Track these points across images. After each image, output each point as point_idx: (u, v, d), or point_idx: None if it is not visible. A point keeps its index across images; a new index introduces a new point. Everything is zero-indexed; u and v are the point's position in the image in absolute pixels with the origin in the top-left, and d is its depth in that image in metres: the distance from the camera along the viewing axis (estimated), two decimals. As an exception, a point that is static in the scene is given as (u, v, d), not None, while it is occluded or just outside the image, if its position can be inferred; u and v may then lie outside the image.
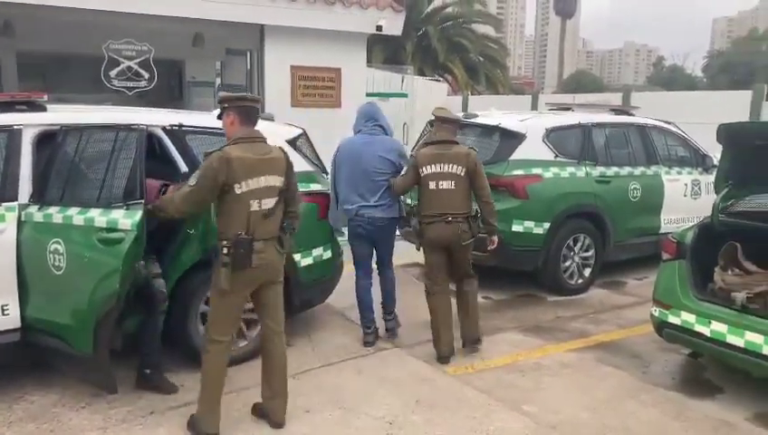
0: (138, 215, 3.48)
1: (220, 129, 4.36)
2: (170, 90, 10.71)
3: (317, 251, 4.72)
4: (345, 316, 5.50)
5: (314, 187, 4.75)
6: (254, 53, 9.16)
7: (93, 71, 7.89)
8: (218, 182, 3.24)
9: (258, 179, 3.34)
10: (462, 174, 4.52)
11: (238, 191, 3.28)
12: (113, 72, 7.97)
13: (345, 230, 5.07)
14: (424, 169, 4.56)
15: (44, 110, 4.00)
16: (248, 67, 9.50)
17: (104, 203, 3.59)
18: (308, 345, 4.82)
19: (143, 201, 3.53)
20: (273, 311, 3.65)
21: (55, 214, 3.65)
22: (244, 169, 3.28)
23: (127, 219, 3.48)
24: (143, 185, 3.58)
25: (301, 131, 4.95)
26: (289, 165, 3.54)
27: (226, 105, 3.46)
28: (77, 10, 7.18)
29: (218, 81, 10.92)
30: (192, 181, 3.37)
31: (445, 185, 4.51)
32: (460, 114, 7.27)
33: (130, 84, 8.11)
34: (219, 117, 3.54)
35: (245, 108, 3.47)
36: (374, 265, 5.08)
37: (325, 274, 4.88)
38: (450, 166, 4.52)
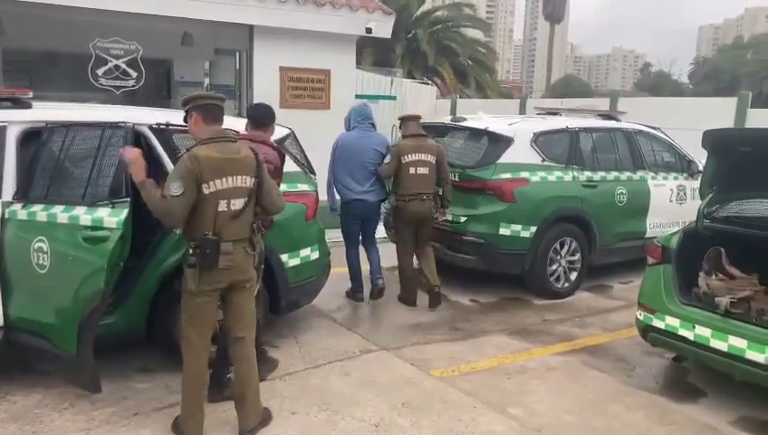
0: (124, 213, 3.45)
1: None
2: (158, 89, 10.64)
3: (304, 252, 4.71)
4: (332, 318, 5.49)
5: (302, 187, 4.75)
6: (243, 53, 9.13)
7: (80, 69, 7.83)
8: (198, 181, 3.17)
9: (226, 179, 3.26)
10: (433, 162, 5.68)
11: (206, 191, 3.19)
12: (101, 71, 7.92)
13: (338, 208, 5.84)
14: (405, 157, 5.61)
15: (30, 107, 3.96)
16: (237, 67, 9.47)
17: (89, 201, 3.56)
18: (294, 347, 4.80)
19: (129, 199, 3.50)
20: (237, 313, 3.49)
21: (39, 212, 3.61)
22: (212, 169, 3.20)
23: (113, 217, 3.45)
24: (128, 183, 3.54)
25: (289, 132, 4.94)
26: (259, 164, 3.43)
27: (188, 106, 3.38)
28: (64, 8, 7.13)
29: (207, 81, 10.86)
30: (175, 190, 3.13)
31: (421, 170, 5.64)
32: (448, 118, 7.33)
33: (118, 83, 8.06)
34: (184, 119, 3.45)
35: (207, 106, 3.37)
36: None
37: (312, 275, 4.86)
38: (426, 155, 5.66)
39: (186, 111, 3.41)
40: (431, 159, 5.65)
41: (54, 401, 3.80)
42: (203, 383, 3.50)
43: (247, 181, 3.36)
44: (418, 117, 6.04)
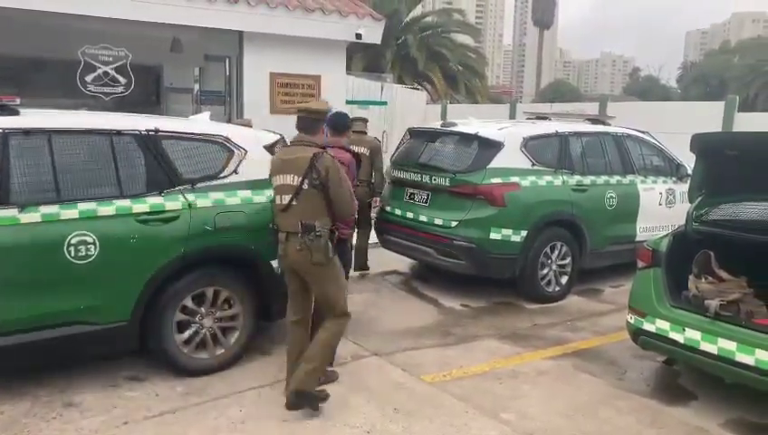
0: (180, 198, 4.07)
1: (198, 134, 4.39)
2: (148, 96, 10.60)
3: (295, 258, 4.68)
4: (323, 324, 5.47)
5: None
6: (233, 59, 9.11)
7: (69, 76, 7.78)
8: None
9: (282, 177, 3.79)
10: (368, 153, 6.60)
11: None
12: (89, 78, 7.88)
13: None
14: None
15: (17, 114, 3.94)
16: (227, 73, 9.44)
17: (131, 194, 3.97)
18: (286, 353, 4.76)
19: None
20: (293, 299, 4.00)
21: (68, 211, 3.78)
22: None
23: (172, 202, 4.02)
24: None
25: (279, 137, 4.93)
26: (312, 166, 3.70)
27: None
28: (52, 14, 7.09)
29: (197, 87, 10.83)
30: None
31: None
32: (439, 123, 7.35)
33: (107, 90, 8.02)
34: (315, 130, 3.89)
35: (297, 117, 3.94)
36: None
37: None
38: (363, 148, 6.52)
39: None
40: (366, 151, 6.54)
41: (42, 411, 3.76)
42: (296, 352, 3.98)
43: (295, 180, 3.71)
44: (365, 120, 7.20)
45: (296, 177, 3.70)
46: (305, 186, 3.69)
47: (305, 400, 3.78)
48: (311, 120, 3.88)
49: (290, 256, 3.77)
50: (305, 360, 3.80)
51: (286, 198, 3.75)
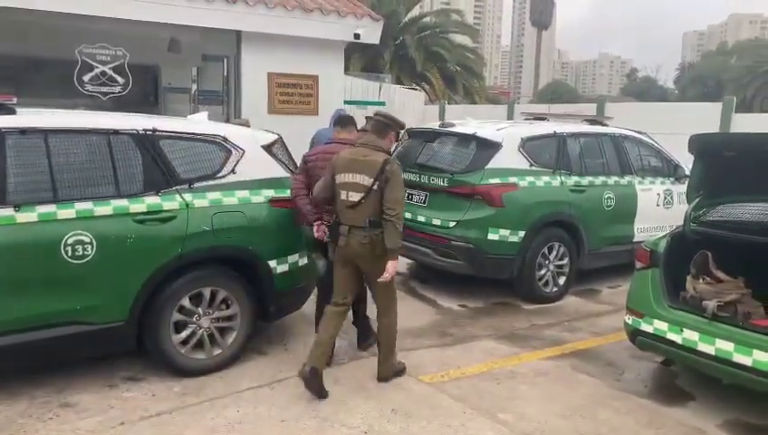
0: (178, 197, 4.00)
1: (195, 134, 4.38)
2: (146, 95, 10.59)
3: (293, 258, 4.68)
4: (321, 324, 5.46)
5: (290, 193, 4.72)
6: (231, 59, 9.11)
7: (66, 75, 7.77)
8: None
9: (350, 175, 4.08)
10: None
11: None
12: (87, 77, 7.87)
13: None
14: None
15: (14, 112, 3.93)
16: (225, 73, 9.44)
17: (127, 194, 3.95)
18: (283, 354, 4.77)
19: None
20: (340, 285, 4.28)
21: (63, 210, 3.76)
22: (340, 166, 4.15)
23: (169, 202, 3.96)
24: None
25: (276, 137, 4.93)
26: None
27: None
28: (50, 13, 7.08)
29: (194, 87, 10.83)
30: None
31: None
32: (437, 123, 7.35)
33: (104, 89, 8.01)
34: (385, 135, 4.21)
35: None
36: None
37: (301, 280, 4.83)
38: None
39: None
40: None
41: (39, 411, 3.75)
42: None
43: (366, 180, 4.01)
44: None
45: (368, 178, 4.01)
46: (375, 187, 3.99)
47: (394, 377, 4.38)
48: (383, 125, 4.21)
49: (352, 247, 4.09)
50: (381, 351, 4.36)
51: (355, 196, 4.05)
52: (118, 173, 3.99)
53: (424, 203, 6.43)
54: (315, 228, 4.52)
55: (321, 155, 4.62)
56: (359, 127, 5.05)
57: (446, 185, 6.20)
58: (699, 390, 4.42)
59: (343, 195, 4.10)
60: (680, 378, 4.66)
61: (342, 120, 4.98)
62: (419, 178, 6.47)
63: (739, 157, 4.42)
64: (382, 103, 12.84)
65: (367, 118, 5.51)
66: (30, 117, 3.92)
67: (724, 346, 3.81)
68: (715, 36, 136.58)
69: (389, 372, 4.37)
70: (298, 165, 4.87)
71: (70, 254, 3.72)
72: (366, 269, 4.19)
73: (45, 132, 3.80)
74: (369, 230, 4.01)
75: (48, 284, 3.72)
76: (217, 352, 4.37)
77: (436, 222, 6.19)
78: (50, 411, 3.75)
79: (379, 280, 4.07)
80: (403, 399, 4.12)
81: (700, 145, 4.56)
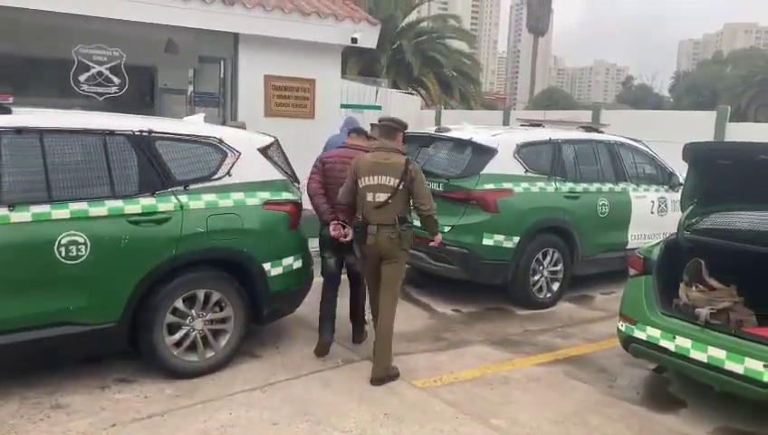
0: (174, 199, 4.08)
1: (191, 135, 4.38)
2: (142, 96, 10.56)
3: (287, 261, 4.68)
4: (314, 328, 5.44)
5: (286, 196, 4.72)
6: (228, 61, 9.09)
7: (63, 75, 7.75)
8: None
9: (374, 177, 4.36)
10: None
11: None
12: (83, 77, 7.84)
13: None
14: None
15: (9, 112, 3.92)
16: (221, 75, 9.43)
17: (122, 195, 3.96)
18: (276, 356, 4.76)
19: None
20: (370, 279, 4.62)
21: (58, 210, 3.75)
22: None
23: (165, 203, 3.91)
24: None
25: (273, 140, 4.93)
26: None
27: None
28: (46, 13, 7.06)
29: (191, 89, 10.80)
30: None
31: None
32: (433, 128, 7.36)
33: (101, 90, 7.98)
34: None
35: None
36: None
37: (295, 284, 4.83)
38: None
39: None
40: None
41: (30, 412, 3.73)
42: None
43: (392, 181, 4.31)
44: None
45: (393, 179, 4.32)
46: (401, 187, 4.30)
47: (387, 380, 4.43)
48: (391, 129, 4.54)
49: (381, 243, 4.35)
50: (377, 352, 4.47)
51: (382, 196, 4.34)
52: (113, 174, 3.98)
53: (419, 207, 6.42)
54: (332, 227, 4.63)
55: (338, 158, 4.91)
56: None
57: (441, 190, 6.21)
58: (691, 397, 4.43)
59: (369, 196, 4.37)
60: (672, 385, 4.68)
61: (359, 130, 5.36)
62: (415, 182, 6.46)
63: (733, 165, 4.44)
64: (379, 108, 12.85)
65: (372, 125, 5.65)
66: (25, 117, 3.92)
67: (717, 354, 3.82)
68: (710, 45, 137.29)
69: (384, 373, 4.41)
70: (313, 166, 5.04)
71: (63, 254, 3.71)
72: (388, 261, 4.42)
73: (41, 132, 3.79)
74: (398, 227, 4.34)
75: (41, 284, 3.71)
76: (210, 354, 4.36)
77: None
78: (41, 413, 3.74)
79: (429, 244, 4.74)
80: (396, 403, 4.11)
81: (694, 153, 4.58)
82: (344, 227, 4.61)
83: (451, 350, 5.16)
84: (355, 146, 4.99)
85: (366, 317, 5.13)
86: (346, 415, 3.91)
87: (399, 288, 4.62)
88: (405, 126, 4.65)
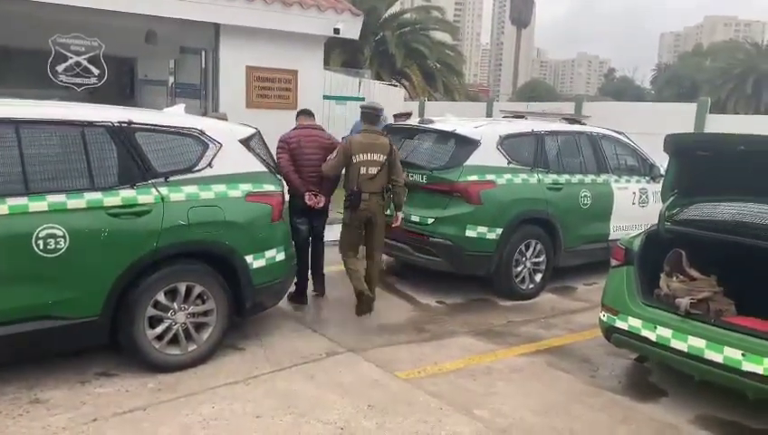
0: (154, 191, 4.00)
1: (172, 127, 4.33)
2: (122, 87, 10.43)
3: (270, 253, 4.65)
4: (298, 320, 5.44)
5: (268, 187, 4.69)
6: (210, 52, 9.01)
7: (39, 65, 7.61)
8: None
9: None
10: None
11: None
12: (61, 68, 7.72)
13: None
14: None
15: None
16: (203, 66, 9.34)
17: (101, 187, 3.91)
18: (259, 349, 4.74)
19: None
20: (357, 241, 5.50)
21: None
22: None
23: (145, 196, 3.65)
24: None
25: (254, 131, 4.89)
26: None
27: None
28: (22, 1, 6.93)
29: (172, 79, 10.69)
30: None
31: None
32: (416, 120, 7.35)
33: (79, 80, 7.86)
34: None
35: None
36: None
37: (278, 276, 4.81)
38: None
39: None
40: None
41: (8, 408, 3.67)
42: (359, 271, 5.41)
43: (381, 157, 5.32)
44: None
45: (382, 155, 5.33)
46: (387, 162, 5.33)
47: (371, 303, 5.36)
48: (376, 116, 5.59)
49: (372, 208, 5.32)
50: (371, 282, 5.46)
51: (374, 170, 5.31)
52: (92, 166, 3.92)
53: (402, 199, 6.41)
54: (307, 197, 5.55)
55: (301, 138, 5.66)
56: None
57: (424, 182, 6.21)
58: (672, 386, 4.48)
59: (363, 170, 5.29)
60: (653, 374, 4.73)
61: (307, 111, 6.12)
62: (398, 174, 6.45)
63: (713, 157, 4.48)
64: (362, 99, 12.78)
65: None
66: (1, 108, 3.84)
67: (696, 343, 3.87)
68: (690, 38, 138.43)
69: (374, 295, 5.40)
70: (278, 147, 5.62)
71: (41, 247, 3.65)
72: (378, 222, 5.41)
73: (17, 123, 3.72)
74: (384, 194, 5.40)
75: (19, 278, 3.65)
76: (193, 347, 4.32)
77: (415, 219, 6.20)
78: (20, 408, 3.68)
79: (393, 225, 5.60)
80: (379, 395, 4.11)
81: (675, 145, 4.62)
82: (316, 196, 5.57)
83: (434, 341, 5.17)
84: (310, 126, 5.84)
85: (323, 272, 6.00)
86: (330, 407, 3.90)
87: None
88: (382, 109, 5.73)
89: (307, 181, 5.56)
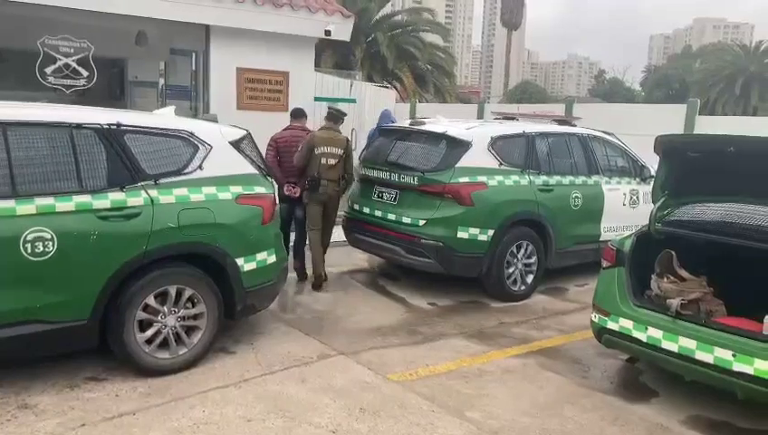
0: (142, 193, 4.04)
1: (161, 128, 4.30)
2: (111, 89, 10.36)
3: (261, 256, 4.63)
4: (289, 323, 5.42)
5: (259, 190, 4.67)
6: (200, 53, 8.97)
7: (27, 67, 7.55)
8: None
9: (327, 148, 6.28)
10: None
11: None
12: (49, 69, 7.65)
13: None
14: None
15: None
16: (193, 68, 9.29)
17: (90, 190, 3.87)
18: (250, 353, 4.71)
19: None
20: (318, 219, 6.45)
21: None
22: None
23: (134, 198, 3.83)
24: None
25: (245, 133, 4.86)
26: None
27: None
28: (9, 3, 6.87)
29: (162, 81, 10.63)
30: None
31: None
32: (407, 121, 7.35)
33: (68, 82, 7.80)
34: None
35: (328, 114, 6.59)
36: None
37: (269, 279, 4.78)
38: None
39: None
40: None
41: (-4, 413, 3.63)
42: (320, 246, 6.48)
43: (339, 151, 6.36)
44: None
45: (340, 149, 6.35)
46: (343, 155, 6.37)
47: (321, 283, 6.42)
48: (338, 117, 6.57)
49: (329, 193, 6.33)
50: (319, 261, 6.41)
51: (333, 161, 6.30)
52: (80, 168, 3.88)
53: (394, 201, 6.42)
54: (286, 188, 6.43)
55: (289, 137, 6.61)
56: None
57: (416, 183, 6.20)
58: (663, 386, 4.49)
59: (323, 160, 6.26)
60: (645, 375, 4.74)
61: (300, 112, 6.98)
62: (390, 176, 6.46)
63: (703, 158, 4.50)
64: (353, 100, 12.79)
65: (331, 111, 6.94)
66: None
67: (687, 344, 3.88)
68: (680, 39, 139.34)
69: (324, 273, 6.47)
70: (268, 145, 6.52)
71: (29, 251, 3.61)
72: (331, 206, 6.45)
73: (4, 125, 3.68)
74: (340, 182, 6.43)
75: (7, 281, 3.61)
76: (183, 351, 4.29)
77: (407, 220, 6.19)
78: (8, 413, 3.64)
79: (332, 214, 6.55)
80: (371, 398, 4.10)
81: (665, 146, 4.63)
82: (294, 187, 6.43)
83: (426, 343, 5.16)
84: (299, 127, 6.79)
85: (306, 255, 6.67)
86: (321, 410, 3.88)
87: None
88: (345, 114, 6.75)
89: (288, 175, 6.43)
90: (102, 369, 4.21)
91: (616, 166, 7.52)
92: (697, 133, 9.11)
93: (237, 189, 4.50)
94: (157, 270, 4.12)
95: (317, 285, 6.37)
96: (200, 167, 4.34)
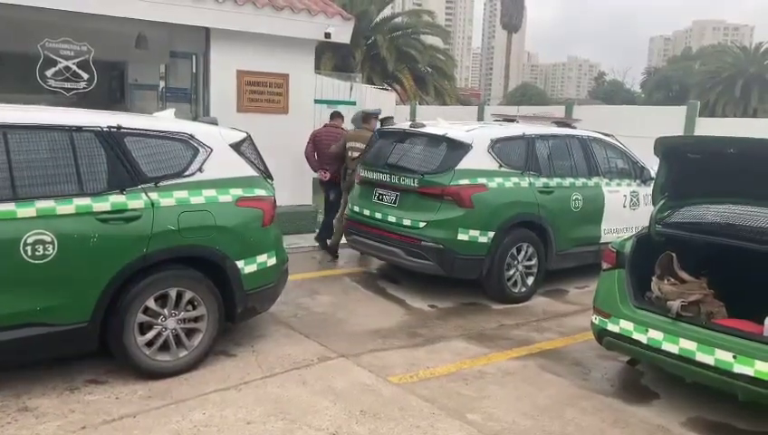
0: (143, 196, 4.04)
1: (162, 131, 4.31)
2: (111, 92, 10.36)
3: (261, 258, 4.63)
4: (290, 325, 5.41)
5: (259, 192, 4.67)
6: (200, 56, 8.97)
7: (28, 70, 7.55)
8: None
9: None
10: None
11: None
12: (50, 72, 7.65)
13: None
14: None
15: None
16: (193, 71, 9.29)
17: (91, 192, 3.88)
18: (251, 355, 4.71)
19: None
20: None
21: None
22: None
23: (135, 201, 3.89)
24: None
25: (245, 136, 4.87)
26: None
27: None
28: (10, 6, 6.87)
29: (162, 84, 10.63)
30: None
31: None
32: (407, 124, 7.36)
33: (68, 85, 7.80)
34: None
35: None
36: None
37: (269, 281, 4.78)
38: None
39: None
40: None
41: (-4, 416, 3.63)
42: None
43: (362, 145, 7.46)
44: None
45: (364, 144, 7.32)
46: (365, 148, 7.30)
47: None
48: (368, 116, 7.96)
49: (353, 179, 7.30)
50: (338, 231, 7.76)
51: (356, 154, 7.50)
52: (81, 171, 3.88)
53: (394, 203, 6.42)
54: (321, 174, 8.13)
55: (325, 134, 8.24)
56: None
57: (416, 185, 6.20)
58: (664, 388, 4.49)
59: (350, 153, 7.66)
60: (645, 377, 4.73)
61: (337, 114, 8.72)
62: (390, 178, 6.46)
63: (703, 159, 4.50)
64: (353, 103, 12.79)
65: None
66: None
67: (688, 346, 3.88)
68: (680, 42, 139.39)
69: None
70: (309, 139, 8.34)
71: (30, 254, 3.61)
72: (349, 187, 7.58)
73: (4, 128, 3.69)
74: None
75: (7, 284, 3.61)
76: (183, 353, 4.29)
77: (407, 222, 6.19)
78: (8, 416, 3.64)
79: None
80: (372, 400, 4.10)
81: (665, 148, 4.63)
82: (325, 172, 8.04)
83: (427, 345, 5.16)
84: (333, 125, 8.42)
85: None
86: (321, 413, 3.88)
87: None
88: (378, 112, 8.28)
89: (323, 162, 8.09)
90: (103, 371, 4.21)
91: (616, 168, 7.53)
92: (697, 135, 9.11)
93: (237, 192, 4.50)
94: (157, 273, 4.12)
95: (333, 251, 7.90)
96: (200, 169, 4.34)
